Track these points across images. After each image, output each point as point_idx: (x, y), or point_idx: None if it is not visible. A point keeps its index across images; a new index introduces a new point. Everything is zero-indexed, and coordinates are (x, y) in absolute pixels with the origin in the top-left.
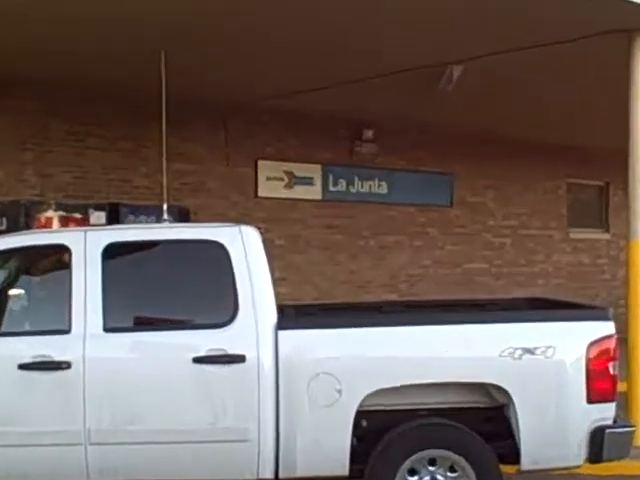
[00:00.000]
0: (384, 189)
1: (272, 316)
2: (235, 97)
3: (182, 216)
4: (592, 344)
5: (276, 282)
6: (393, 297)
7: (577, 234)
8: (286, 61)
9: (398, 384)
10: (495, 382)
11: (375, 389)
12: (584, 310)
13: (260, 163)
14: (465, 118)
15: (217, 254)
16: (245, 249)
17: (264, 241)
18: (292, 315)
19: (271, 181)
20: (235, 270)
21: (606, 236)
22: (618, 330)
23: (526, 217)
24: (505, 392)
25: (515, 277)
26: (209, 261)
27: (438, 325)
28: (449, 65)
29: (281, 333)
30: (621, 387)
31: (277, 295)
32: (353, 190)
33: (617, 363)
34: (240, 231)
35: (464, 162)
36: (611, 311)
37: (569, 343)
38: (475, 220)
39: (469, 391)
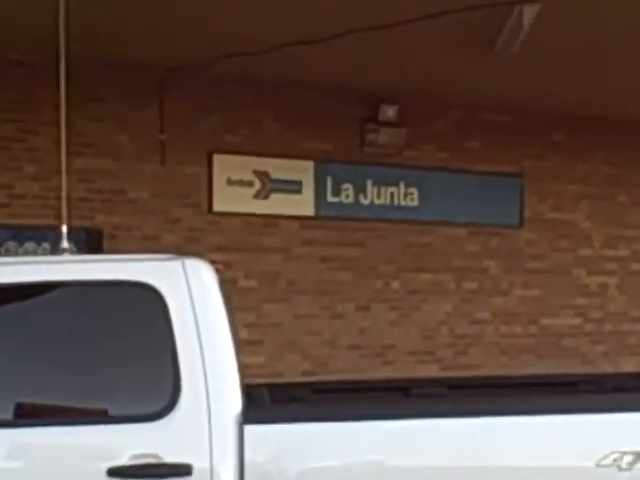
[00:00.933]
0: (414, 200)
1: (234, 402)
2: (175, 55)
3: (91, 242)
4: None
5: (243, 348)
6: (429, 371)
7: None
8: None
9: None
10: None
11: None
12: None
13: (217, 158)
14: (540, 90)
15: (146, 303)
16: (191, 295)
17: (222, 282)
18: (266, 401)
19: (234, 187)
20: (175, 329)
21: None
22: None
23: None
24: None
25: (624, 339)
26: (133, 315)
27: (500, 417)
28: (517, 5)
29: (249, 429)
30: None
31: (244, 368)
32: (365, 201)
33: None
34: (183, 266)
35: (541, 157)
36: None
37: None
38: (559, 248)
39: None
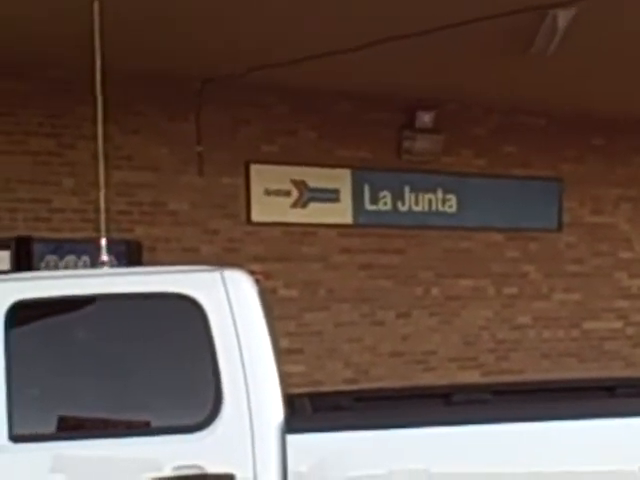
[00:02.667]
0: (452, 206)
1: (276, 412)
2: (211, 67)
3: (131, 255)
4: None
5: (284, 356)
6: (472, 377)
7: None
8: (295, 4)
9: None
10: None
11: None
12: None
13: (254, 169)
14: (577, 93)
15: (186, 314)
16: (231, 306)
17: (262, 292)
18: (309, 410)
19: (272, 197)
20: (215, 340)
21: None
22: None
23: None
24: None
25: None
26: (173, 326)
27: (543, 422)
28: (551, 10)
29: (291, 439)
30: None
31: (285, 378)
32: (403, 208)
33: None
34: (223, 278)
35: (580, 161)
36: None
37: None
38: (600, 252)
39: None
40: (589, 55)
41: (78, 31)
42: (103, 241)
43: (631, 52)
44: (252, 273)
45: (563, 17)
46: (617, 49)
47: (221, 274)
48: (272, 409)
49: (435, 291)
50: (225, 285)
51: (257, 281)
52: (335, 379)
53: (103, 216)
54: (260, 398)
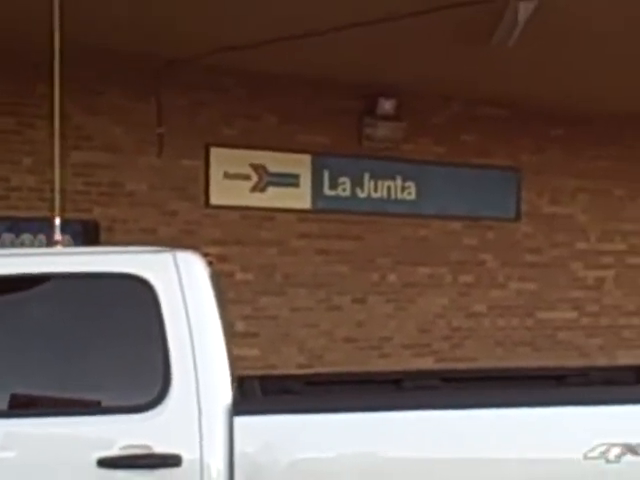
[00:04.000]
0: (412, 193)
1: (224, 394)
2: (173, 48)
3: (88, 234)
4: None
5: (239, 340)
6: (426, 363)
7: None
8: None
9: None
10: None
11: None
12: None
13: (214, 152)
14: (538, 84)
15: (137, 295)
16: (182, 288)
17: (214, 275)
18: (257, 392)
19: (232, 180)
20: (165, 321)
21: None
22: None
23: (638, 238)
24: None
25: (620, 332)
26: (125, 307)
27: (489, 409)
28: (512, 1)
29: (239, 421)
30: None
31: (237, 360)
32: (362, 194)
33: None
34: (175, 259)
35: (539, 152)
36: None
37: None
38: (556, 242)
39: None
40: (550, 47)
41: (39, 8)
42: (57, 220)
43: (591, 45)
44: (205, 256)
45: (524, 9)
46: (577, 42)
47: (173, 256)
48: (220, 391)
49: (392, 278)
50: (177, 267)
51: (210, 264)
52: (289, 363)
53: (58, 195)
54: (209, 380)
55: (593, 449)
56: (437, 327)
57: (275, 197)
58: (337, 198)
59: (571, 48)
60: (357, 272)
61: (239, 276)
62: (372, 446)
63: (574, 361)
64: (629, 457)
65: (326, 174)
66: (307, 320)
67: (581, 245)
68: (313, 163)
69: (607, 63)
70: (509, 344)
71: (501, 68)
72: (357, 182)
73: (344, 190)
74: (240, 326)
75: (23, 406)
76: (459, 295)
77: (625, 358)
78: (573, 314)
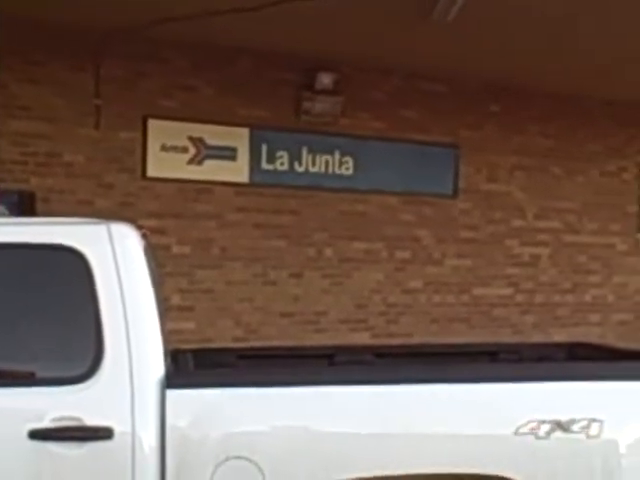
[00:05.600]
0: (349, 168)
1: (158, 367)
2: (112, 18)
3: (23, 205)
4: None
5: (175, 313)
6: (361, 339)
7: None
8: None
9: (351, 477)
10: (508, 474)
11: None
12: None
13: (152, 124)
14: (477, 61)
15: (71, 267)
16: (115, 260)
17: (148, 248)
18: (190, 365)
19: (169, 152)
20: (98, 293)
21: None
22: None
23: (574, 216)
24: None
25: (555, 310)
26: (58, 278)
27: (420, 385)
28: None
29: (171, 394)
30: None
31: (173, 334)
32: (300, 169)
33: None
34: (108, 231)
35: (478, 128)
36: None
37: (625, 414)
38: (493, 219)
39: None
40: (489, 23)
41: None
42: None
43: (530, 23)
44: (140, 228)
45: None
46: (516, 19)
47: (107, 228)
48: (153, 364)
49: (328, 252)
50: (111, 239)
51: (144, 236)
52: (225, 337)
53: None
54: (141, 353)
55: (524, 425)
56: (373, 302)
57: (213, 170)
58: (275, 172)
59: (510, 25)
60: (294, 247)
61: (175, 249)
62: (303, 420)
63: (508, 338)
64: (559, 433)
65: (264, 148)
66: (243, 294)
67: (518, 222)
68: (251, 137)
69: (546, 42)
70: (444, 320)
71: (441, 43)
72: (295, 156)
73: (282, 164)
74: (176, 299)
75: None
76: (395, 271)
77: (559, 335)
78: (508, 291)
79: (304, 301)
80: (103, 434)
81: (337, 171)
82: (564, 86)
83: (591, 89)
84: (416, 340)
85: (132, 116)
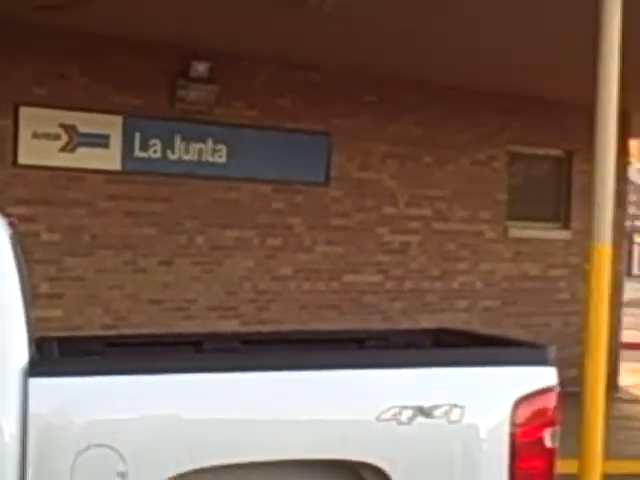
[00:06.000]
0: (222, 156)
1: (21, 354)
2: None
3: None
4: (521, 401)
5: (44, 301)
6: (231, 326)
7: (521, 231)
8: None
9: (216, 463)
10: (369, 460)
11: (181, 471)
12: (511, 349)
13: (23, 111)
14: (351, 50)
15: None
16: None
17: (15, 235)
18: (55, 353)
19: (40, 140)
20: None
21: (565, 234)
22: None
23: (444, 203)
24: (384, 475)
25: (423, 296)
26: None
27: (284, 371)
28: None
29: (34, 382)
30: (565, 467)
31: (41, 322)
32: (172, 157)
33: (558, 431)
34: None
35: (352, 117)
36: (553, 351)
37: (486, 400)
38: (364, 207)
39: (330, 473)
40: (363, 13)
41: None
42: None
43: (399, 13)
44: (8, 216)
45: None
46: (387, 10)
47: None
48: (16, 352)
49: (200, 240)
50: None
51: (12, 224)
52: (94, 325)
53: None
54: (4, 341)
55: (386, 411)
56: (243, 290)
57: (84, 158)
58: (148, 160)
59: (383, 15)
60: (164, 234)
61: (45, 236)
62: (168, 408)
63: (378, 325)
64: (421, 419)
65: (137, 136)
66: (113, 281)
67: (389, 210)
68: (124, 124)
69: (416, 31)
70: (315, 307)
71: (315, 33)
72: (168, 144)
73: (155, 152)
74: (45, 287)
75: None
76: (266, 258)
77: (427, 322)
78: (378, 278)
79: (174, 288)
80: None
81: (210, 159)
82: (436, 76)
83: (462, 79)
84: (286, 327)
85: (3, 103)
